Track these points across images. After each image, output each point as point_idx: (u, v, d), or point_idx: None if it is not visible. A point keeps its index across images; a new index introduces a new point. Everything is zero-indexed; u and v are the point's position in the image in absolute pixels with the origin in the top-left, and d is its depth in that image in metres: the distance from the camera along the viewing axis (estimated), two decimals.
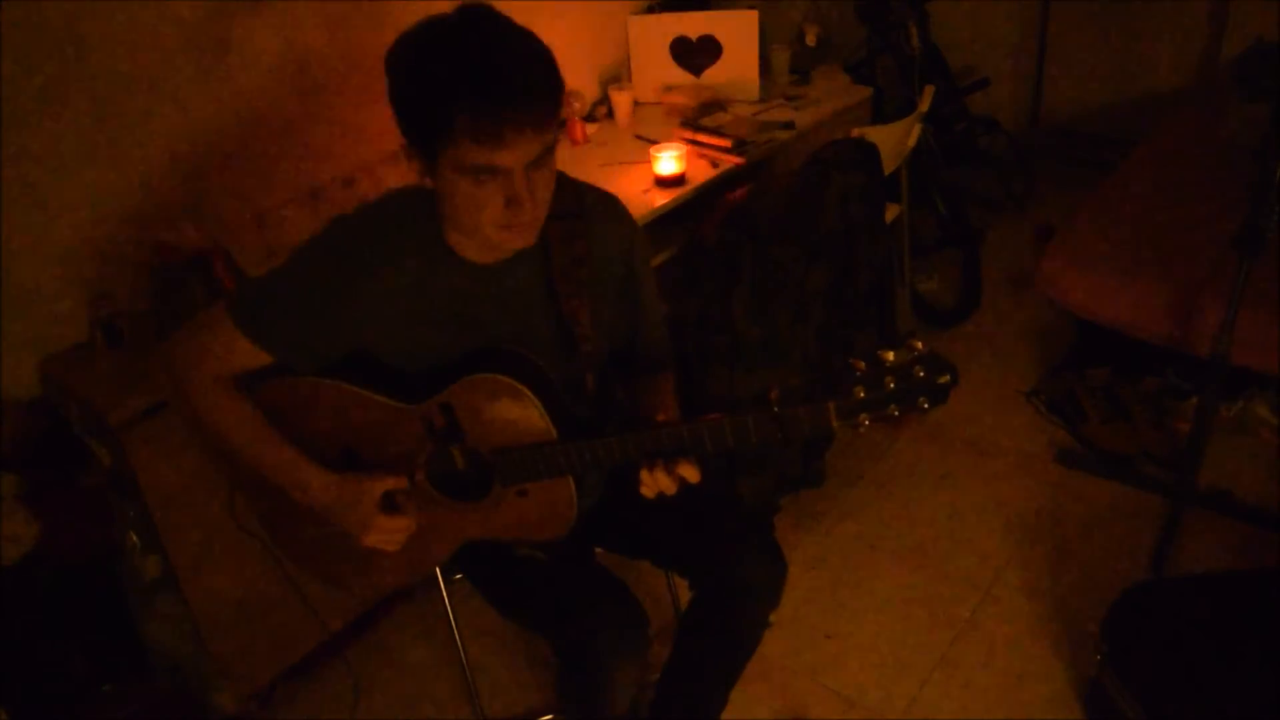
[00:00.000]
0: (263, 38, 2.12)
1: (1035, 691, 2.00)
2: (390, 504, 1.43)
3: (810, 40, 3.19)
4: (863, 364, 1.18)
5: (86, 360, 1.90)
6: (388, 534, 1.43)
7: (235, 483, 1.72)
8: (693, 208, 2.42)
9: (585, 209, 1.43)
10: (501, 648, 2.20)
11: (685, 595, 1.63)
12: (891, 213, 2.82)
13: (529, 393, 1.34)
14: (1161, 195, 2.80)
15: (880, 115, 3.06)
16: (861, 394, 1.18)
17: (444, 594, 1.79)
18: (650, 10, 2.93)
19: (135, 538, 1.85)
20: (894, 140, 2.61)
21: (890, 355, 1.17)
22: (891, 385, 1.17)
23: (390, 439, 1.42)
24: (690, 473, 1.32)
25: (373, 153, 2.33)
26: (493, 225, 1.26)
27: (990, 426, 2.71)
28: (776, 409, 1.23)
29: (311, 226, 1.42)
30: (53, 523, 1.81)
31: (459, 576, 1.84)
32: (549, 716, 2.04)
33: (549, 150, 1.24)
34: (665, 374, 1.59)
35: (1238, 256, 1.92)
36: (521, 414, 1.35)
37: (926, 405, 1.19)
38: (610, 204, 1.48)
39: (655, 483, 1.32)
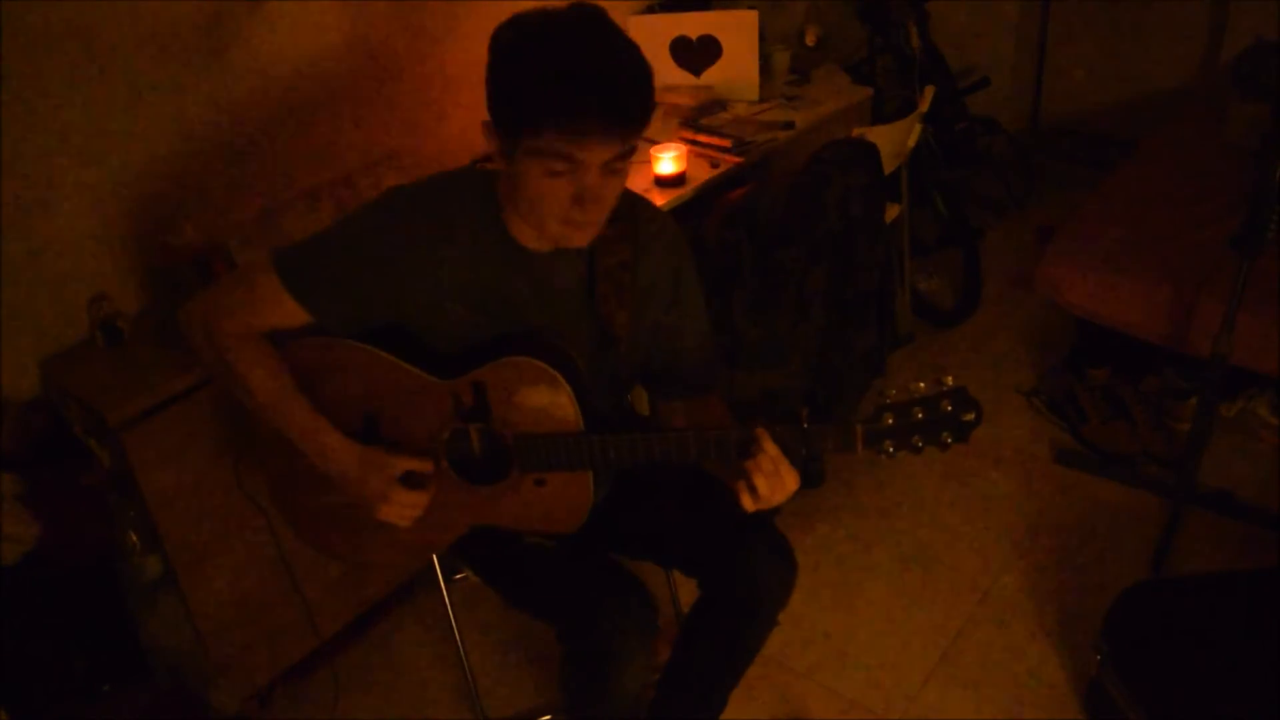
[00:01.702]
0: (262, 37, 2.12)
1: (1035, 691, 2.00)
2: (411, 478, 1.43)
3: (810, 40, 3.18)
4: (894, 391, 1.23)
5: (86, 360, 1.90)
6: (403, 508, 1.42)
7: (248, 444, 1.70)
8: (693, 208, 2.42)
9: (637, 219, 1.44)
10: (501, 648, 2.20)
11: (685, 595, 1.63)
12: (891, 213, 2.82)
13: (564, 381, 1.34)
14: (1161, 195, 2.80)
15: (880, 115, 3.06)
16: (890, 420, 1.23)
17: (444, 594, 1.79)
18: (650, 10, 2.93)
19: (135, 538, 1.85)
20: (894, 140, 2.61)
21: (921, 385, 1.22)
22: (919, 416, 1.22)
23: (415, 411, 1.42)
24: (793, 479, 1.31)
25: (373, 152, 2.33)
26: (556, 218, 1.28)
27: (990, 426, 2.71)
28: (806, 425, 1.26)
29: (311, 226, 1.43)
30: (53, 523, 1.80)
31: (459, 577, 1.84)
32: (548, 717, 2.04)
33: (626, 156, 1.26)
34: (713, 395, 1.57)
35: (1238, 256, 1.92)
36: (553, 401, 1.36)
37: (949, 440, 1.23)
38: (663, 222, 1.50)
39: (767, 489, 1.29)
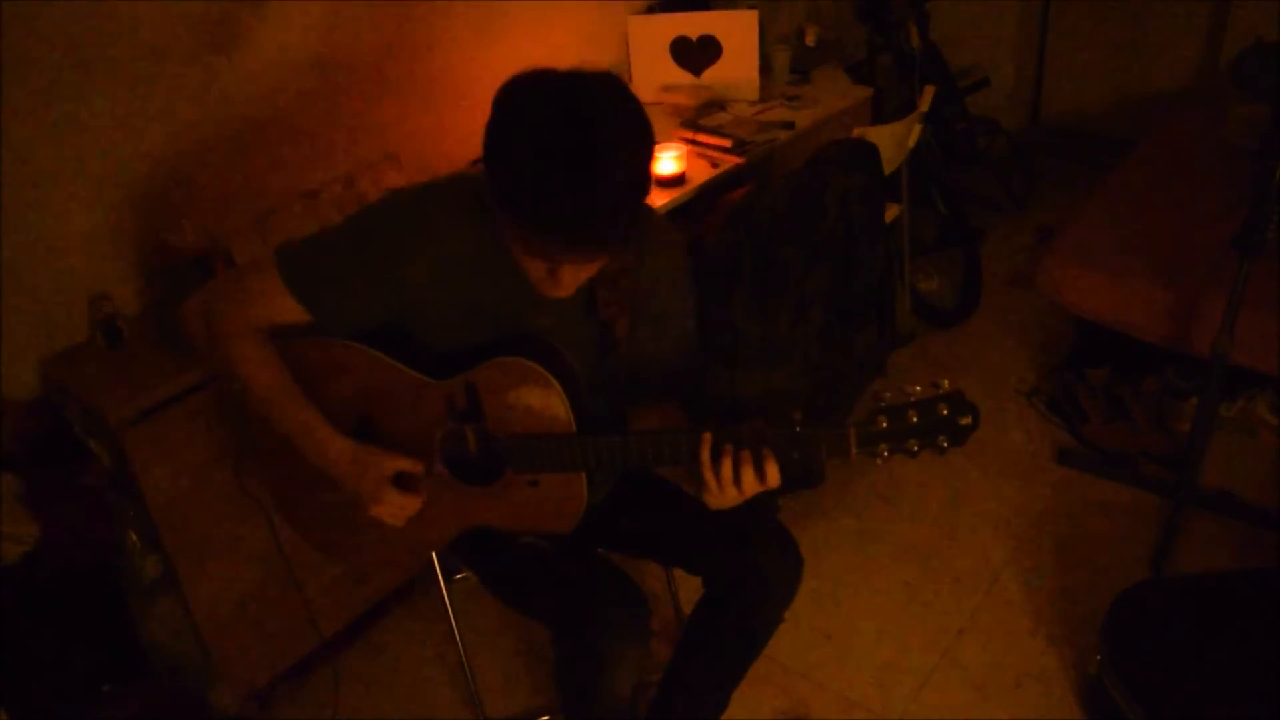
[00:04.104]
0: (264, 38, 2.12)
1: (1035, 691, 2.01)
2: (403, 480, 1.44)
3: (810, 40, 3.19)
4: (888, 394, 1.20)
5: (86, 360, 1.90)
6: (394, 508, 1.43)
7: (248, 441, 1.70)
8: (693, 208, 2.42)
9: (644, 226, 1.41)
10: (502, 648, 2.20)
11: (685, 594, 1.63)
12: (891, 213, 2.82)
13: (556, 383, 1.34)
14: (1161, 195, 2.80)
15: (880, 115, 3.06)
16: (884, 424, 1.20)
17: (444, 594, 1.79)
18: (650, 10, 2.93)
19: (135, 538, 1.85)
20: (894, 140, 2.61)
21: (917, 389, 1.20)
22: (914, 419, 1.19)
23: (409, 411, 1.42)
24: (774, 474, 1.27)
25: (373, 153, 2.33)
26: (532, 277, 1.29)
27: (990, 426, 2.71)
28: (799, 429, 1.24)
29: (311, 226, 1.43)
30: (53, 523, 1.80)
31: (459, 577, 1.84)
32: (547, 717, 2.04)
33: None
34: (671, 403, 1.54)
35: (1238, 257, 1.92)
36: (545, 402, 1.35)
37: (945, 444, 1.21)
38: (670, 232, 1.49)
39: (738, 483, 1.27)
